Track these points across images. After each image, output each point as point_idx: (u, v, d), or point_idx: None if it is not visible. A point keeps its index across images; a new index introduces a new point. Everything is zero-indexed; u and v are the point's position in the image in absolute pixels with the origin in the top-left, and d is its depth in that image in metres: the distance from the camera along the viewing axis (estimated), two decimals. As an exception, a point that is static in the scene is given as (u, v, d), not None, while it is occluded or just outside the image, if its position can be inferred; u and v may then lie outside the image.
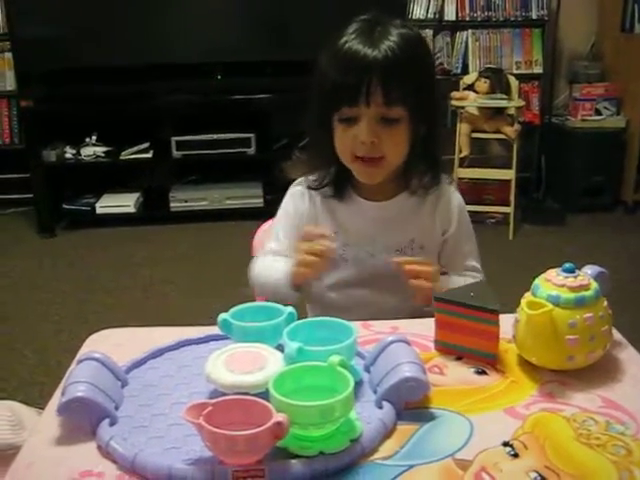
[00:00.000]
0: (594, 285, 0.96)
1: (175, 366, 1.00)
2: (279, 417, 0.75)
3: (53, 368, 2.38)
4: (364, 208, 1.30)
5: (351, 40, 1.18)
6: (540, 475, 0.77)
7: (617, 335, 1.06)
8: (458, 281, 1.28)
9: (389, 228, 1.30)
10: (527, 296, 0.98)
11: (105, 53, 3.75)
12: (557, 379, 0.96)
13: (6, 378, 2.40)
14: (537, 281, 0.98)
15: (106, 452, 0.81)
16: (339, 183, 1.30)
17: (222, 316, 1.00)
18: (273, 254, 1.33)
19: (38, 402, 2.04)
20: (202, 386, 0.92)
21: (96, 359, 0.92)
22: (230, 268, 3.18)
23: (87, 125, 3.98)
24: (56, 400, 0.89)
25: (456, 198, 1.33)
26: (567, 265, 0.97)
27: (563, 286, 0.95)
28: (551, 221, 3.83)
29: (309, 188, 1.32)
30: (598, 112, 4.02)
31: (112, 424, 0.86)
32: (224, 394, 0.86)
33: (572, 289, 0.94)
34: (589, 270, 1.03)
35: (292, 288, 1.23)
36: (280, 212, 1.36)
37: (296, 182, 1.36)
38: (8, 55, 3.92)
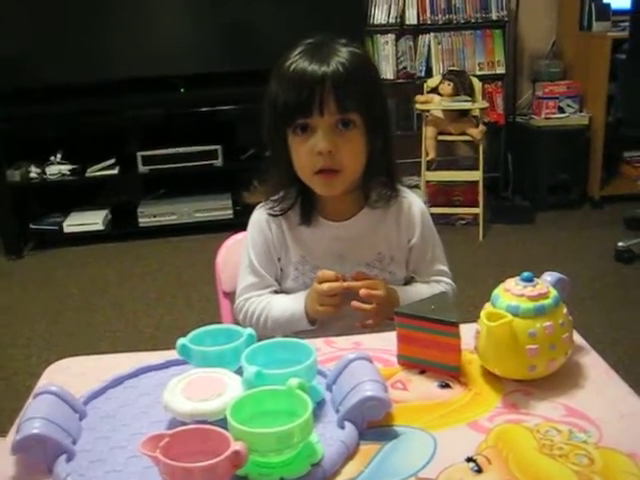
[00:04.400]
0: (553, 293, 0.96)
1: (135, 395, 0.98)
2: (237, 446, 0.74)
3: (22, 393, 2.33)
4: (329, 229, 1.30)
5: (299, 60, 1.19)
6: (504, 490, 0.76)
7: (580, 340, 1.06)
8: (424, 289, 1.29)
9: (356, 245, 1.30)
10: (487, 307, 0.97)
11: (66, 70, 3.70)
12: (520, 389, 0.95)
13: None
14: (496, 291, 0.98)
15: (63, 490, 0.79)
16: (303, 207, 1.29)
17: (180, 341, 0.98)
18: (255, 289, 1.33)
19: (6, 429, 2.01)
20: (162, 415, 0.90)
21: (52, 392, 0.90)
22: (202, 282, 3.18)
23: (51, 143, 3.93)
24: (11, 436, 0.87)
25: (417, 205, 1.33)
26: (525, 274, 0.97)
27: (522, 296, 0.94)
28: (520, 220, 3.86)
29: (272, 215, 1.31)
30: (561, 110, 4.06)
31: (69, 460, 0.83)
32: (183, 423, 0.84)
33: (531, 298, 0.94)
34: (549, 277, 1.03)
35: (311, 324, 1.27)
36: (249, 241, 1.34)
37: (258, 207, 1.34)
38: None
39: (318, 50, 1.19)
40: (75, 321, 3.00)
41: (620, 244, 3.29)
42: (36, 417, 0.85)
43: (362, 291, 1.21)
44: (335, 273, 1.22)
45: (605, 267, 3.23)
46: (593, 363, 1.02)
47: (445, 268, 1.36)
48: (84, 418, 0.93)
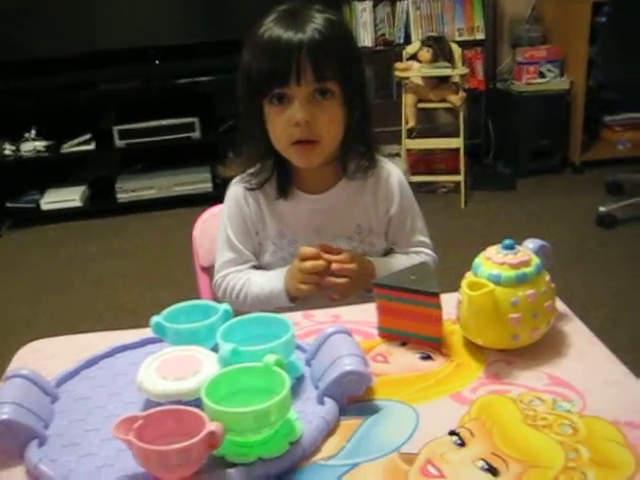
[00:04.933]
0: (535, 260, 0.94)
1: (109, 375, 0.95)
2: (212, 426, 0.72)
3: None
4: (307, 202, 1.27)
5: (273, 27, 1.14)
6: (487, 463, 0.75)
7: (562, 307, 1.05)
8: (403, 261, 1.26)
9: (334, 218, 1.27)
10: (468, 276, 0.95)
11: (39, 43, 3.61)
12: (503, 358, 0.94)
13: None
14: (477, 260, 0.96)
15: (35, 475, 0.77)
16: (280, 180, 1.26)
17: (155, 319, 0.95)
18: (233, 265, 1.30)
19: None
20: (137, 395, 0.87)
21: (23, 376, 0.87)
22: (182, 256, 3.13)
23: (25, 119, 3.84)
24: (-18, 422, 0.84)
25: (395, 175, 1.30)
26: (507, 242, 0.94)
27: (503, 264, 0.92)
28: (502, 186, 3.84)
29: (249, 189, 1.27)
30: (542, 75, 4.02)
31: (41, 445, 0.81)
32: (158, 403, 0.82)
33: (513, 266, 0.92)
34: (530, 244, 1.01)
35: (291, 301, 1.24)
36: (225, 219, 1.30)
37: (234, 181, 1.31)
38: None
39: (293, 17, 1.15)
40: (54, 300, 2.96)
41: (601, 209, 3.28)
42: (5, 402, 0.82)
43: (334, 265, 1.18)
44: (316, 250, 1.19)
45: (587, 232, 3.23)
46: (576, 330, 1.00)
47: (425, 239, 1.34)
48: (57, 401, 0.90)
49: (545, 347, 0.95)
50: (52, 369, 0.96)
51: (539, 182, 3.89)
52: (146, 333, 1.02)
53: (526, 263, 0.93)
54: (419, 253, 1.31)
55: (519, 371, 0.91)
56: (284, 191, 1.26)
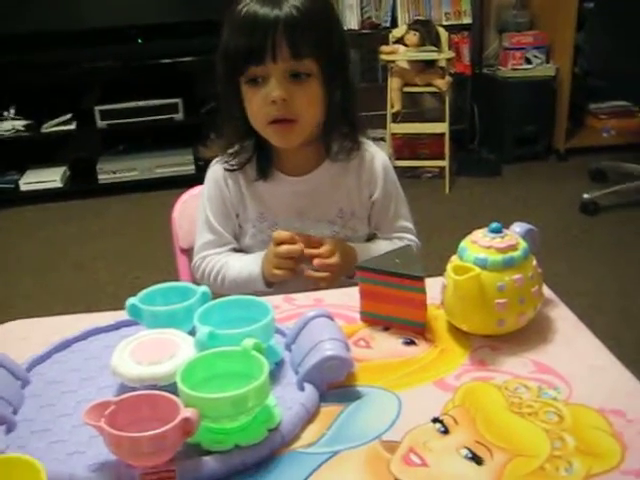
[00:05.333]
0: (522, 245, 0.92)
1: (82, 359, 0.92)
2: (187, 412, 0.69)
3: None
4: (288, 184, 1.24)
5: (251, 3, 1.11)
6: (471, 451, 0.73)
7: (548, 292, 1.03)
8: (385, 246, 1.24)
9: (316, 201, 1.24)
10: (453, 260, 0.93)
11: (18, 20, 3.53)
12: (488, 344, 0.92)
13: None
14: (463, 243, 0.93)
15: (2, 462, 0.74)
16: (260, 161, 1.23)
17: (130, 301, 0.92)
18: (213, 247, 1.27)
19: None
20: (111, 380, 0.85)
21: (-9, 359, 0.84)
22: (163, 238, 3.09)
23: (4, 98, 3.77)
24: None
25: (380, 158, 1.27)
26: (494, 225, 0.92)
27: (490, 247, 0.90)
28: (486, 172, 3.82)
29: (229, 170, 1.24)
30: (528, 61, 4.00)
31: (9, 431, 0.78)
32: (133, 388, 0.79)
33: (499, 250, 0.90)
34: (517, 228, 0.98)
35: (267, 286, 1.21)
36: (205, 200, 1.27)
37: (214, 162, 1.28)
38: None
39: None
40: (33, 282, 2.91)
41: (585, 196, 3.28)
42: (-27, 386, 0.79)
43: (315, 261, 1.16)
44: (291, 234, 1.16)
45: (571, 219, 3.23)
46: (562, 316, 0.99)
47: (409, 224, 1.31)
48: (27, 385, 0.87)
49: (531, 333, 0.93)
50: (23, 352, 0.93)
51: (524, 168, 3.88)
52: (121, 315, 0.98)
53: (513, 247, 0.90)
54: (402, 239, 1.29)
55: (504, 357, 0.89)
56: (264, 172, 1.23)
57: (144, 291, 0.95)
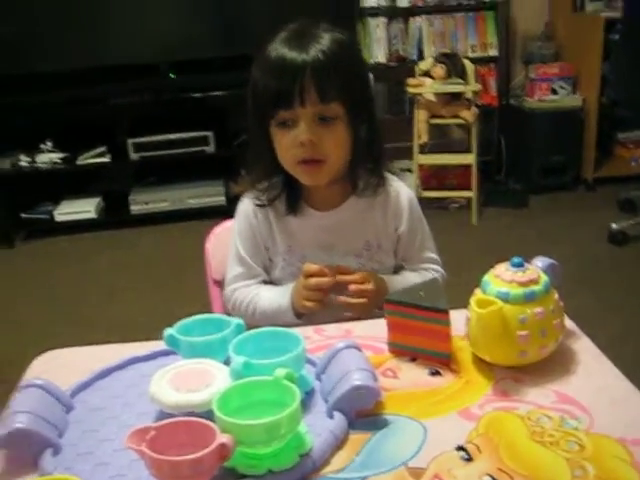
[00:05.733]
0: (544, 279, 0.95)
1: (122, 386, 0.97)
2: (223, 438, 0.73)
3: (15, 384, 2.34)
4: (316, 218, 1.28)
5: (279, 47, 1.16)
6: (493, 478, 0.76)
7: (571, 324, 1.06)
8: (412, 278, 1.28)
9: (342, 234, 1.28)
10: (477, 293, 0.96)
11: (55, 57, 3.67)
12: (511, 375, 0.95)
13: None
14: (486, 277, 0.97)
15: (49, 484, 0.78)
16: (289, 197, 1.28)
17: (168, 331, 0.97)
18: (243, 279, 1.32)
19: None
20: (149, 406, 0.89)
21: (38, 386, 0.89)
22: (195, 269, 3.16)
23: (41, 131, 3.89)
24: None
25: (405, 193, 1.32)
26: (515, 260, 0.96)
27: (512, 282, 0.93)
28: (514, 203, 3.84)
29: (259, 206, 1.29)
30: (554, 92, 4.03)
31: (56, 454, 0.83)
32: (171, 415, 0.83)
33: (521, 284, 0.93)
34: (539, 262, 1.02)
35: (297, 317, 1.25)
36: (236, 234, 1.32)
37: (245, 197, 1.33)
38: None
39: (299, 37, 1.16)
40: (68, 311, 2.99)
41: (613, 226, 3.28)
42: (21, 411, 0.84)
43: (352, 287, 1.19)
44: (320, 266, 1.20)
45: (599, 249, 3.22)
46: (584, 348, 1.01)
47: (434, 255, 1.35)
48: (71, 411, 0.92)
49: (553, 364, 0.96)
50: (66, 379, 0.97)
51: (551, 199, 3.89)
52: (157, 346, 1.03)
53: (535, 281, 0.94)
54: (428, 270, 1.32)
55: (527, 388, 0.92)
56: (293, 208, 1.27)
57: (181, 322, 0.99)
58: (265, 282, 1.32)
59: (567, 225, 3.53)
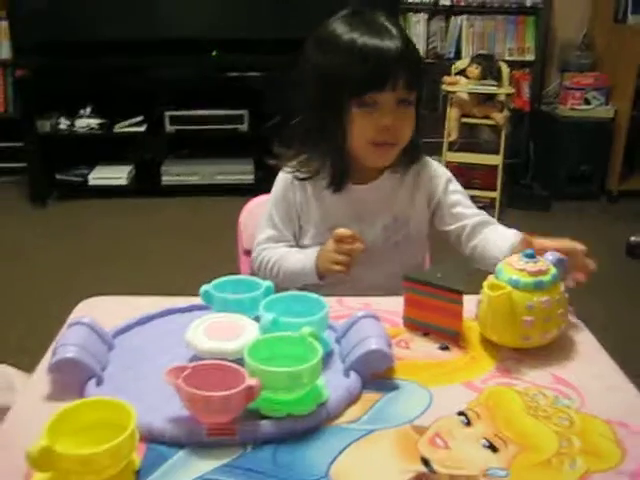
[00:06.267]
0: (552, 271, 1.03)
1: (159, 333, 1.06)
2: (251, 381, 0.82)
3: (43, 336, 2.43)
4: (350, 191, 1.36)
5: (355, 33, 1.23)
6: (489, 442, 0.84)
7: (576, 321, 1.13)
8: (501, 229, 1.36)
9: (373, 207, 1.37)
10: (490, 278, 1.04)
11: (103, 26, 3.78)
12: (515, 357, 1.02)
13: (-2, 343, 2.47)
14: (500, 265, 1.05)
15: (92, 410, 0.88)
16: (336, 175, 1.34)
17: (204, 288, 1.06)
18: (273, 241, 1.40)
19: (28, 368, 2.11)
20: (183, 352, 0.98)
21: (85, 324, 0.99)
22: (220, 241, 3.26)
23: (82, 97, 4.01)
24: (46, 361, 0.96)
25: (441, 170, 1.41)
26: (528, 252, 1.03)
27: (523, 270, 1.01)
28: (536, 207, 3.90)
29: (298, 179, 1.37)
30: (587, 101, 4.07)
31: (98, 384, 0.92)
32: (204, 360, 0.92)
33: (531, 274, 1.01)
34: (550, 256, 1.09)
35: (319, 279, 1.31)
36: (272, 198, 1.41)
37: (285, 168, 1.40)
38: (4, 24, 3.94)
39: (369, 24, 1.24)
40: (95, 271, 3.10)
41: (632, 239, 3.33)
42: (70, 343, 0.93)
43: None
44: (353, 232, 1.24)
45: (616, 261, 3.27)
46: (585, 340, 1.08)
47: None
48: (112, 350, 1.01)
49: (554, 351, 1.04)
50: (107, 324, 1.06)
51: (574, 207, 3.95)
52: (193, 300, 1.13)
53: (544, 272, 1.01)
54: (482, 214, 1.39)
55: (527, 369, 1.00)
56: (338, 185, 1.35)
57: (216, 280, 1.09)
58: (292, 247, 1.40)
59: (587, 234, 3.52)
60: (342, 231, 1.25)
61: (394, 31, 1.24)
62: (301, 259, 1.34)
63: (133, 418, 0.76)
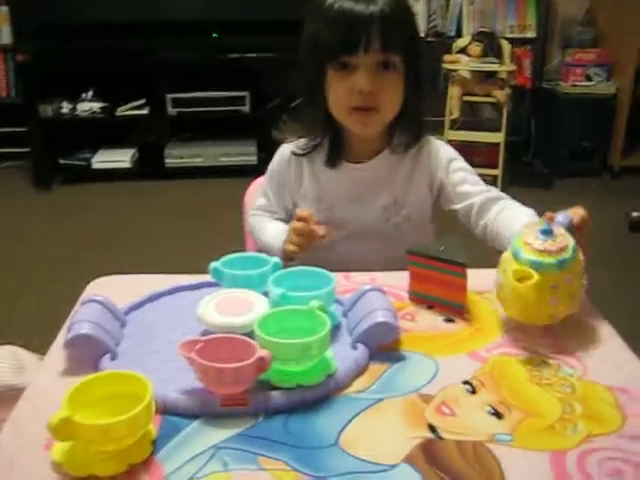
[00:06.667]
0: (571, 243, 1.00)
1: (170, 309, 1.09)
2: (262, 352, 0.85)
3: (51, 316, 2.45)
4: (348, 170, 1.36)
5: (341, 1, 1.23)
6: (494, 409, 0.86)
7: (585, 300, 1.14)
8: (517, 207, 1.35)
9: (371, 188, 1.36)
10: (507, 258, 1.02)
11: (103, 9, 3.77)
12: (518, 328, 1.04)
13: (6, 325, 2.49)
14: (516, 243, 1.01)
15: (107, 383, 0.90)
16: (331, 150, 1.35)
17: (213, 264, 1.09)
18: (263, 210, 1.44)
19: (37, 347, 2.14)
20: (194, 327, 1.00)
21: (98, 301, 1.01)
22: (224, 222, 3.28)
23: (84, 81, 4.02)
24: (61, 338, 0.99)
25: (443, 150, 1.38)
26: (544, 228, 1.00)
27: (544, 251, 0.98)
28: (538, 184, 3.91)
29: (295, 154, 1.38)
30: (589, 78, 4.07)
31: (113, 359, 0.95)
32: (214, 334, 0.95)
33: (553, 253, 0.98)
34: (560, 217, 1.05)
35: (283, 257, 1.28)
36: (269, 171, 1.44)
37: (285, 143, 1.42)
38: (4, 9, 3.93)
39: None
40: (100, 253, 3.13)
41: (634, 214, 3.34)
42: (84, 320, 0.96)
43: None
44: (310, 214, 1.23)
45: (619, 236, 3.29)
46: (590, 316, 1.09)
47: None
48: (124, 326, 1.04)
49: (559, 326, 1.04)
50: (118, 300, 1.09)
51: (576, 183, 3.95)
52: (201, 278, 1.15)
53: (564, 249, 0.99)
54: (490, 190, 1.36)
55: (533, 339, 1.01)
56: (333, 160, 1.35)
57: (224, 257, 1.11)
58: (282, 221, 1.41)
59: (589, 209, 3.57)
60: (300, 210, 1.26)
61: None
62: (273, 236, 1.35)
63: (149, 390, 0.78)
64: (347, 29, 1.21)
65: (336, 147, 1.36)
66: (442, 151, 1.39)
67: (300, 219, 1.24)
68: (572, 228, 1.05)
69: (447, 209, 1.40)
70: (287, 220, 1.41)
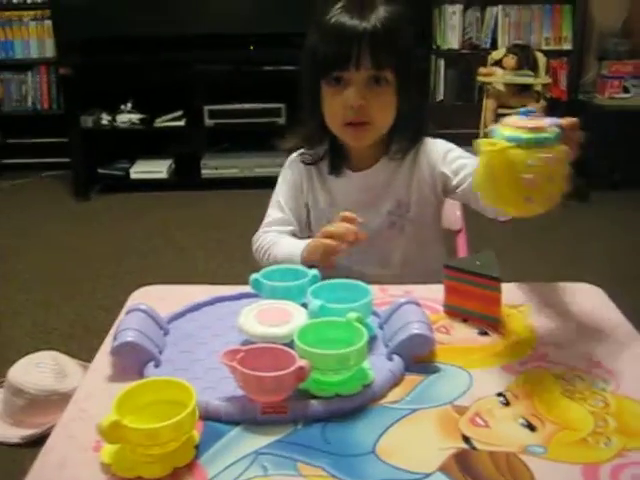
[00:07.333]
0: (555, 130, 0.94)
1: (211, 319, 1.12)
2: (302, 362, 0.87)
3: (90, 323, 2.54)
4: (351, 179, 1.41)
5: (338, 14, 1.27)
6: (527, 421, 0.88)
7: (609, 303, 1.16)
8: None
9: (376, 194, 1.40)
10: (484, 141, 0.95)
11: (142, 23, 3.85)
12: (553, 342, 1.06)
13: (48, 331, 2.56)
14: (494, 127, 0.96)
15: (152, 389, 0.94)
16: (333, 158, 1.40)
17: (254, 276, 1.12)
18: (278, 224, 1.44)
19: (76, 353, 2.20)
20: (235, 337, 1.03)
21: (142, 310, 1.05)
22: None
23: (123, 93, 4.12)
24: (107, 345, 1.02)
25: (437, 145, 1.39)
26: (523, 109, 0.96)
27: (522, 127, 0.92)
28: (574, 196, 3.87)
29: (303, 163, 1.43)
30: (626, 90, 4.05)
31: (157, 366, 0.98)
32: (255, 343, 0.98)
33: (531, 130, 0.92)
34: (548, 120, 0.98)
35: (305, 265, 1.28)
36: (280, 181, 1.48)
37: (293, 154, 1.47)
38: (48, 23, 4.05)
39: (358, 5, 1.27)
40: (138, 262, 3.20)
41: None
42: (130, 328, 1.00)
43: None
44: (355, 216, 1.23)
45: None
46: (620, 324, 1.11)
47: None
48: (167, 335, 1.08)
49: (592, 340, 1.06)
50: (161, 310, 1.12)
51: (612, 196, 3.93)
52: (241, 289, 1.19)
53: (543, 129, 0.93)
54: None
55: (565, 353, 1.03)
56: (336, 169, 1.40)
57: (264, 269, 1.14)
58: (294, 234, 1.43)
59: (623, 223, 3.57)
60: (343, 213, 1.25)
61: (380, 13, 1.25)
62: (290, 248, 1.34)
63: (193, 396, 0.82)
64: (339, 45, 1.25)
65: (337, 157, 1.40)
66: (437, 146, 1.41)
67: (345, 219, 1.24)
68: (562, 131, 0.97)
69: (456, 198, 1.41)
70: (298, 235, 1.44)
